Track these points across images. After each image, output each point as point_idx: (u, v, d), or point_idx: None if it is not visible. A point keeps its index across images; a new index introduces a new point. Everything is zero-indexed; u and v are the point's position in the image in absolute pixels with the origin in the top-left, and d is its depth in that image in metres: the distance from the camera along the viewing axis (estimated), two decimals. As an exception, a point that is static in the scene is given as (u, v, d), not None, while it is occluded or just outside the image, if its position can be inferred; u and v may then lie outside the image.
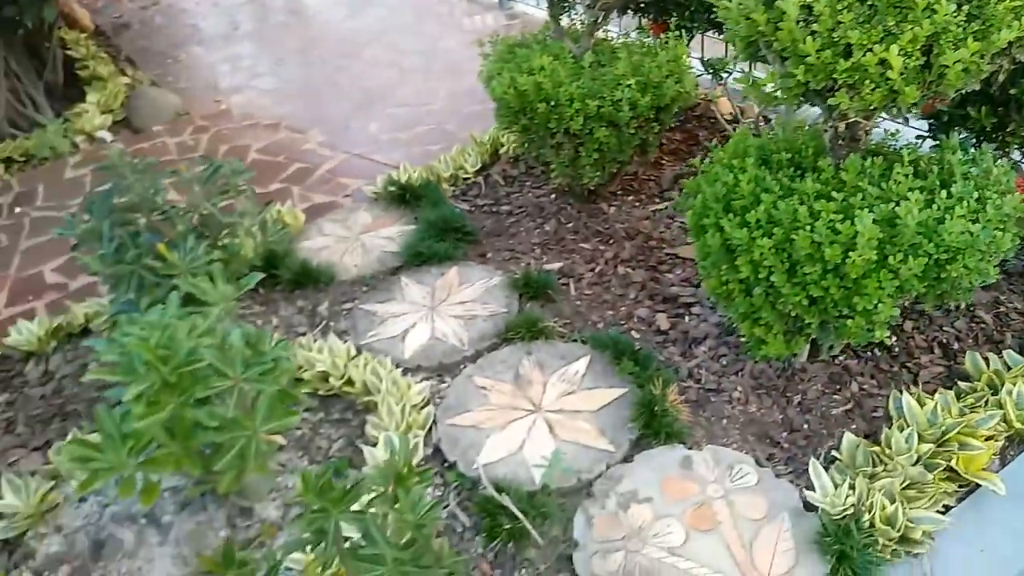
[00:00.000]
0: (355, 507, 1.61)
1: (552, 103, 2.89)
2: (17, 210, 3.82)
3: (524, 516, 2.01)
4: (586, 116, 2.89)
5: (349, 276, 3.06)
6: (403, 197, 3.49)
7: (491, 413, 2.36)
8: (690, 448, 2.22)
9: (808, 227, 1.93)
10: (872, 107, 1.83)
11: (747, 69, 3.72)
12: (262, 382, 1.94)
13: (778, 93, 1.98)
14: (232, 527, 2.13)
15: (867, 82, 1.79)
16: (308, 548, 1.65)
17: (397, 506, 1.63)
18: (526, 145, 3.27)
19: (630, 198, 3.45)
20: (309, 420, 2.44)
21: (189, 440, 1.92)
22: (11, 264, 3.42)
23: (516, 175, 3.69)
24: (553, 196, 3.49)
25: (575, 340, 2.63)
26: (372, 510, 1.62)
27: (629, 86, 2.90)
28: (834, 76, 1.81)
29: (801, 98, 1.98)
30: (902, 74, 1.76)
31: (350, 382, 2.45)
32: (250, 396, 1.96)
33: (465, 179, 3.65)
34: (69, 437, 2.38)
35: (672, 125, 3.36)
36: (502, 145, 3.81)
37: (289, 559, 1.95)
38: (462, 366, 2.57)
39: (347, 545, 1.71)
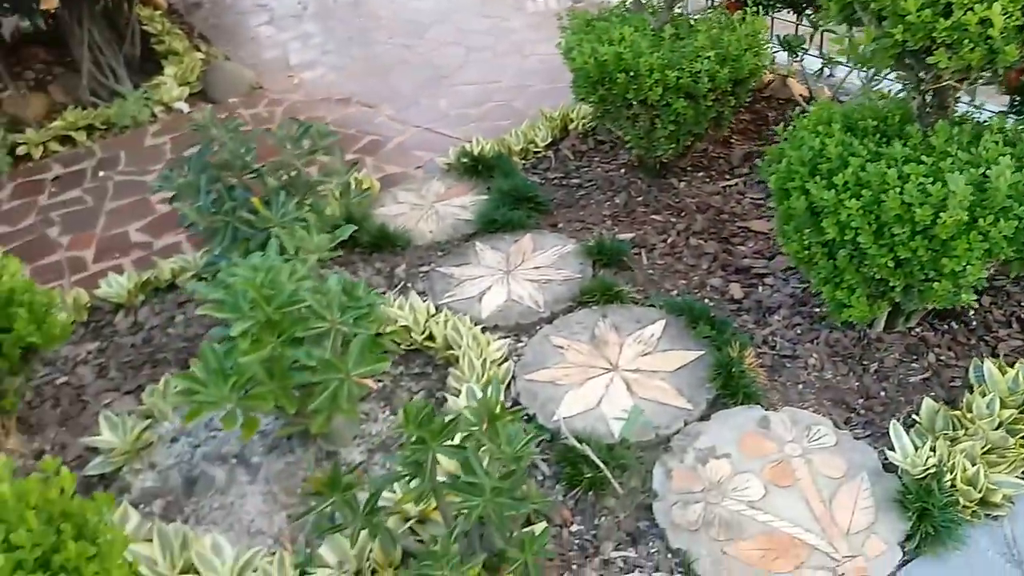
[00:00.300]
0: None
1: (631, 73, 2.92)
2: (101, 174, 3.96)
3: (604, 466, 2.06)
4: (664, 87, 2.92)
5: (424, 241, 3.14)
6: (475, 168, 3.55)
7: (568, 370, 2.41)
8: (767, 410, 2.25)
9: (898, 189, 1.95)
10: (969, 67, 1.84)
11: (822, 48, 3.72)
12: (357, 326, 2.02)
13: (872, 55, 1.99)
14: (320, 469, 2.21)
15: (966, 41, 1.80)
16: (405, 480, 1.73)
17: (493, 441, 1.69)
18: (601, 117, 3.31)
19: (700, 174, 3.47)
20: (390, 373, 2.51)
21: (285, 380, 2.00)
22: (97, 224, 3.56)
23: (585, 150, 3.73)
24: (623, 171, 3.52)
25: (650, 305, 2.66)
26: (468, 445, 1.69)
27: (708, 58, 2.92)
28: (933, 36, 1.82)
29: (894, 60, 1.99)
30: (1003, 33, 1.76)
31: (431, 337, 2.52)
32: (341, 341, 2.04)
33: (535, 153, 3.70)
34: (161, 382, 2.48)
35: (741, 106, 3.37)
36: (571, 121, 3.85)
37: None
38: (538, 327, 2.62)
39: (442, 478, 1.78)
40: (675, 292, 2.76)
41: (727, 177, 3.45)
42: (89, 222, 3.57)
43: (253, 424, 2.00)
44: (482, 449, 1.69)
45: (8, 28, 5.04)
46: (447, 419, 1.69)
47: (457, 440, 1.71)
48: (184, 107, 4.59)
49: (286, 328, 1.95)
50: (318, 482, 1.60)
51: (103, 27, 4.81)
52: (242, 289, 1.94)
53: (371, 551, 1.87)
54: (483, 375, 2.33)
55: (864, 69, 2.19)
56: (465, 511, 1.60)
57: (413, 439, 1.67)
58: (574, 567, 1.91)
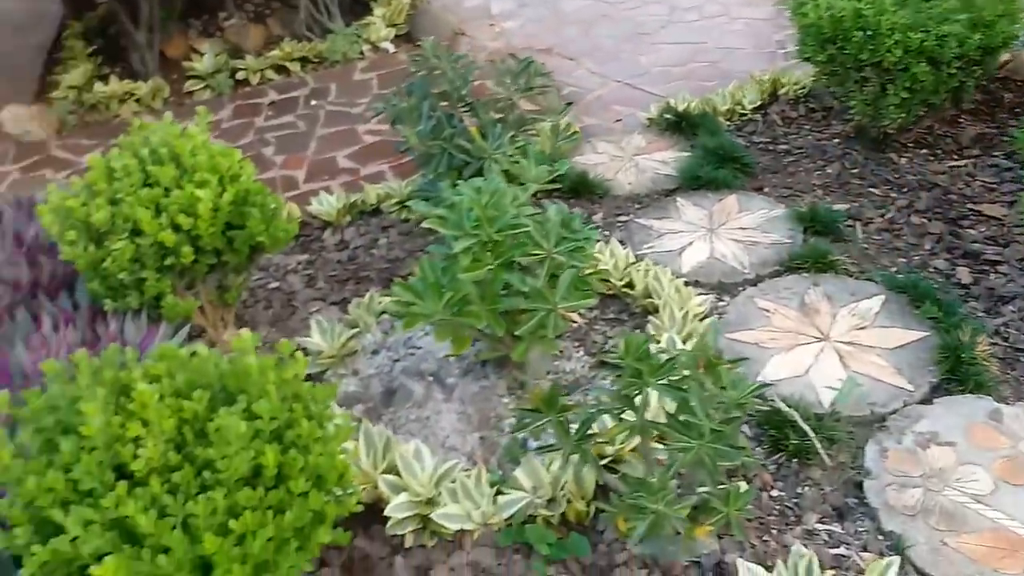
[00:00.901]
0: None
1: (869, 32, 2.73)
2: (312, 103, 4.16)
3: (812, 435, 1.95)
4: (905, 49, 2.70)
5: (623, 192, 3.08)
6: (678, 125, 3.45)
7: (774, 334, 2.30)
8: (998, 403, 2.05)
9: None
10: None
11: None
12: (572, 258, 2.00)
13: None
14: (512, 397, 2.23)
15: None
16: (615, 414, 1.70)
17: (711, 384, 1.63)
18: (826, 78, 3.12)
19: (923, 151, 3.21)
20: (585, 315, 2.48)
21: (495, 302, 2.02)
22: (308, 147, 3.74)
23: (795, 117, 3.54)
24: (836, 140, 3.32)
25: (867, 279, 2.49)
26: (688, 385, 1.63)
27: (959, 21, 2.67)
28: None
29: None
30: None
31: (630, 285, 2.47)
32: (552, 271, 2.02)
33: (742, 115, 3.54)
34: (367, 297, 2.57)
35: (987, 78, 3.08)
36: (782, 86, 3.67)
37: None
38: (742, 287, 2.52)
39: (649, 417, 1.74)
40: (894, 269, 2.57)
41: (955, 157, 3.17)
42: (301, 145, 3.75)
43: (464, 342, 2.03)
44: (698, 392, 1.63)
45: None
46: (664, 357, 1.65)
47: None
48: (390, 47, 4.74)
49: (504, 251, 1.96)
50: (538, 397, 1.59)
51: (322, -34, 5.03)
52: (466, 208, 1.96)
53: (565, 481, 1.86)
54: (683, 327, 2.26)
55: None
56: (681, 451, 1.55)
57: (629, 373, 1.63)
58: (773, 531, 1.83)
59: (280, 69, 4.57)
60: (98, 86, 4.36)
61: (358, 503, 1.61)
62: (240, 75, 4.51)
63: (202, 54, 4.58)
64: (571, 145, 3.19)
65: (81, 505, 1.36)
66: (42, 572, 1.38)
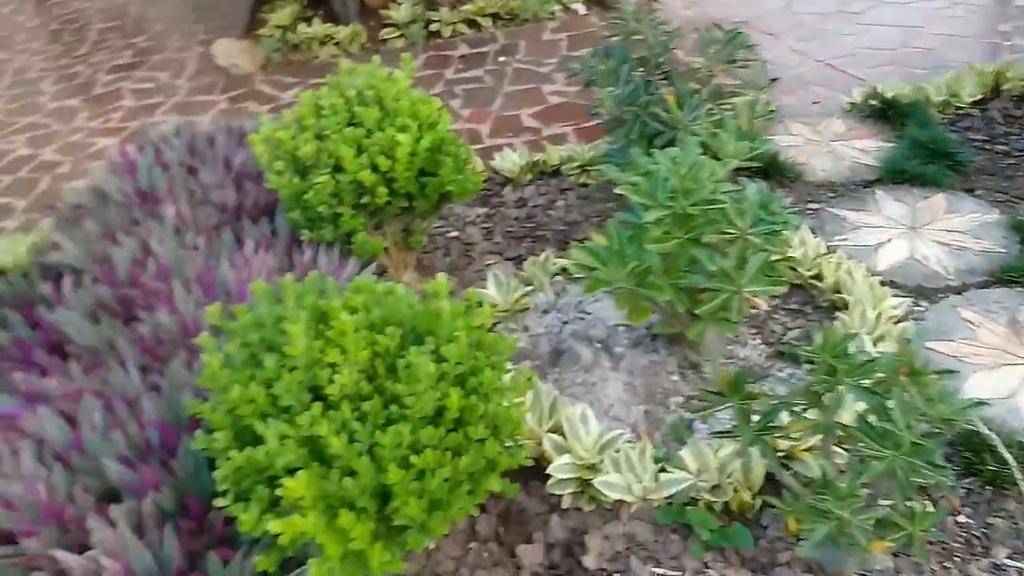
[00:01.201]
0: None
1: None
2: (501, 59, 4.19)
3: (1014, 463, 1.79)
4: None
5: (816, 178, 2.92)
6: (884, 112, 3.22)
7: (978, 350, 2.12)
8: None
9: None
10: None
11: None
12: (768, 242, 1.91)
13: None
14: (681, 375, 2.18)
15: None
16: (801, 409, 1.62)
17: (914, 393, 1.51)
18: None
19: None
20: (767, 302, 2.38)
21: (677, 277, 1.96)
22: (494, 103, 3.78)
23: (1019, 116, 3.22)
24: (1067, 146, 3.00)
25: (1096, 304, 2.25)
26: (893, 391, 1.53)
27: None
28: None
29: None
30: None
31: (818, 276, 2.35)
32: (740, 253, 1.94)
33: (958, 109, 3.26)
34: (542, 256, 2.57)
35: None
36: (1007, 80, 3.34)
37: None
38: (943, 294, 2.33)
39: (837, 419, 1.64)
40: None
41: None
42: (487, 100, 3.80)
43: (643, 313, 2.00)
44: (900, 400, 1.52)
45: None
46: (863, 359, 1.55)
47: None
48: (581, 8, 4.69)
49: (696, 226, 1.90)
50: (723, 380, 1.54)
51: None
52: (662, 178, 1.91)
53: (733, 470, 1.80)
54: (875, 329, 2.12)
55: None
56: (874, 460, 1.45)
57: (823, 369, 1.54)
58: (956, 559, 1.70)
59: (472, 23, 4.63)
60: (302, 27, 4.58)
61: (527, 457, 1.63)
62: (433, 27, 4.61)
63: (399, 4, 4.70)
64: (766, 124, 3.05)
65: (278, 420, 1.44)
66: (234, 476, 1.49)
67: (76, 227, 2.54)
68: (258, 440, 1.45)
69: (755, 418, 1.60)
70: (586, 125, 3.41)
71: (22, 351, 2.17)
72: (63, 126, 4.35)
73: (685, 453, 1.85)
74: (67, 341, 2.13)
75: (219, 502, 1.49)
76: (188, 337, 1.99)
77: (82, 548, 1.59)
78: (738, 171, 2.87)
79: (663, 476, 1.81)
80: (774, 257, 2.41)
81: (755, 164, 2.30)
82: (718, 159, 2.20)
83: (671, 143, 2.47)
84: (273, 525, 1.34)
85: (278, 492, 1.38)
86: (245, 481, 1.48)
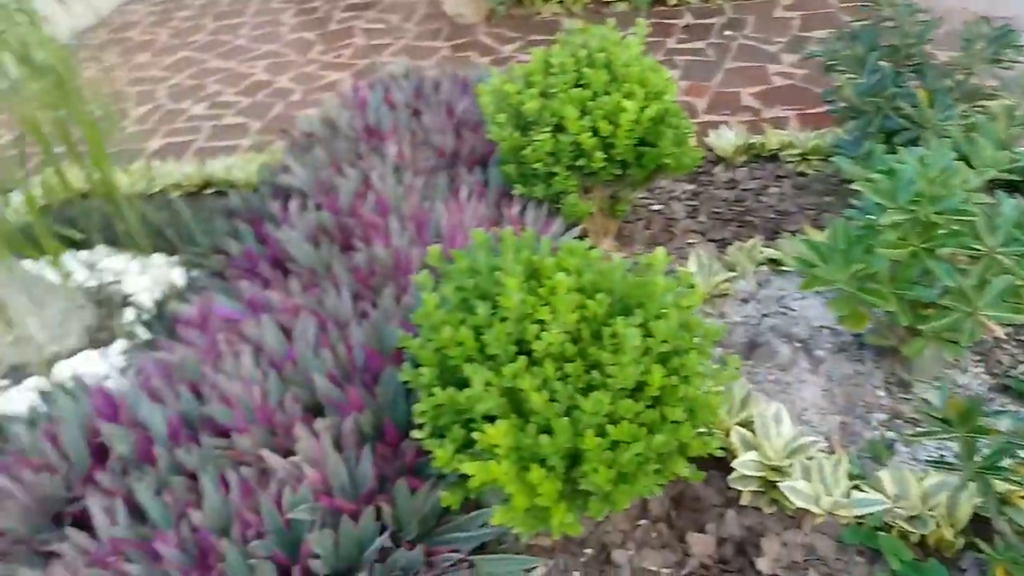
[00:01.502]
0: None
1: None
2: (726, 33, 4.03)
3: None
4: None
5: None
6: None
7: None
8: None
9: None
10: None
11: None
12: (1018, 264, 1.73)
13: None
14: (887, 391, 2.04)
15: None
16: (1032, 451, 1.47)
17: None
18: None
19: None
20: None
21: (906, 288, 1.82)
22: (713, 78, 3.65)
23: None
24: None
25: None
26: None
27: None
28: None
29: None
30: None
31: (1065, 310, 2.11)
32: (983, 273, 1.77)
33: None
34: (749, 243, 2.47)
35: None
36: None
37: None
38: None
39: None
40: None
41: None
42: (707, 74, 3.67)
43: (861, 319, 1.88)
44: None
45: None
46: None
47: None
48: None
49: (936, 237, 1.75)
50: (954, 407, 1.42)
51: None
52: (906, 179, 1.77)
53: (937, 503, 1.67)
54: None
55: None
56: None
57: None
58: None
59: (700, -7, 4.48)
60: (529, -18, 4.61)
61: (719, 447, 1.59)
62: (659, -7, 4.50)
63: (627, -35, 4.62)
64: (1021, 132, 2.75)
65: (483, 366, 1.48)
66: (433, 412, 1.54)
67: (306, 153, 2.71)
68: (461, 382, 1.50)
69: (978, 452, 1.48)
70: (812, 111, 3.22)
71: (249, 262, 2.35)
72: (299, 56, 4.65)
73: (884, 475, 1.74)
74: (289, 259, 2.29)
75: (416, 434, 1.56)
76: (399, 271, 2.08)
77: (287, 453, 1.72)
78: (990, 183, 2.63)
79: (856, 494, 1.71)
80: (1019, 282, 2.21)
81: (1010, 177, 2.09)
82: (970, 166, 2.02)
83: (913, 142, 2.29)
84: (468, 467, 1.38)
85: (473, 435, 1.43)
86: (443, 419, 1.54)
